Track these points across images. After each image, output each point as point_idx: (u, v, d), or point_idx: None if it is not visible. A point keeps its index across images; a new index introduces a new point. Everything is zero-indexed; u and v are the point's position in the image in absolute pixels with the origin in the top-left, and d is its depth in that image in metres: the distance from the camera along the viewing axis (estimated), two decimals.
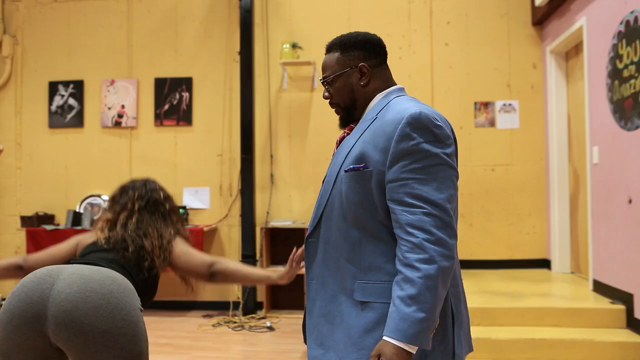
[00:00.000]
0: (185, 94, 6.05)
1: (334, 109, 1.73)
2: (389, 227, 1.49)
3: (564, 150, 5.37)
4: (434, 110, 1.53)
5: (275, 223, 5.61)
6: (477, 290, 4.55)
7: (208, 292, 5.98)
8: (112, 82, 6.14)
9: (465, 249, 5.67)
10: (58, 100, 6.21)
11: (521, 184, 5.66)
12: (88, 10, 6.23)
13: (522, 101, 5.68)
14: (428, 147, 1.44)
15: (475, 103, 5.72)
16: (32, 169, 6.27)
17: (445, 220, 1.41)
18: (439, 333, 1.48)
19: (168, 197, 2.31)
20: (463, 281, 4.87)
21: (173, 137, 6.09)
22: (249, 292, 5.68)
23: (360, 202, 1.51)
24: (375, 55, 1.67)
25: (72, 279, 1.78)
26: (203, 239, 5.65)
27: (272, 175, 5.92)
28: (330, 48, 1.71)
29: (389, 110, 1.55)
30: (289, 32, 5.93)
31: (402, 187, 1.44)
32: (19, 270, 2.11)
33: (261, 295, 5.78)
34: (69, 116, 6.20)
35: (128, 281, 1.92)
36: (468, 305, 4.03)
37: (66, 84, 6.21)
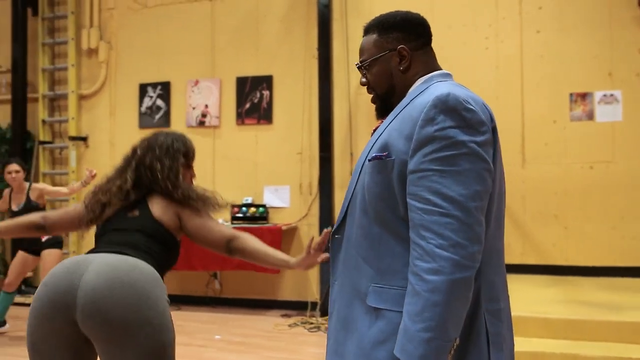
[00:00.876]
0: (266, 92, 6.06)
1: (370, 99, 1.57)
2: None
3: None
4: (470, 93, 1.33)
5: None
6: (565, 300, 4.13)
7: (288, 291, 5.94)
8: (197, 83, 6.28)
9: (559, 254, 5.20)
10: (147, 102, 6.46)
11: (625, 183, 5.09)
12: (174, 14, 6.42)
13: (626, 91, 5.10)
14: (454, 133, 1.24)
15: (571, 94, 5.22)
16: None
17: (465, 222, 1.20)
18: (473, 356, 1.28)
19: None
20: (554, 288, 4.48)
21: (254, 135, 6.12)
22: (327, 292, 5.57)
23: (381, 195, 1.34)
24: (416, 36, 1.51)
25: (100, 269, 1.81)
26: (282, 237, 5.60)
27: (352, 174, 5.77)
28: (367, 29, 1.57)
29: (423, 95, 1.37)
30: None
31: (421, 180, 1.25)
32: (42, 230, 2.18)
33: None
34: (157, 117, 6.42)
35: (154, 270, 1.93)
36: (551, 316, 3.67)
37: (154, 85, 6.44)
